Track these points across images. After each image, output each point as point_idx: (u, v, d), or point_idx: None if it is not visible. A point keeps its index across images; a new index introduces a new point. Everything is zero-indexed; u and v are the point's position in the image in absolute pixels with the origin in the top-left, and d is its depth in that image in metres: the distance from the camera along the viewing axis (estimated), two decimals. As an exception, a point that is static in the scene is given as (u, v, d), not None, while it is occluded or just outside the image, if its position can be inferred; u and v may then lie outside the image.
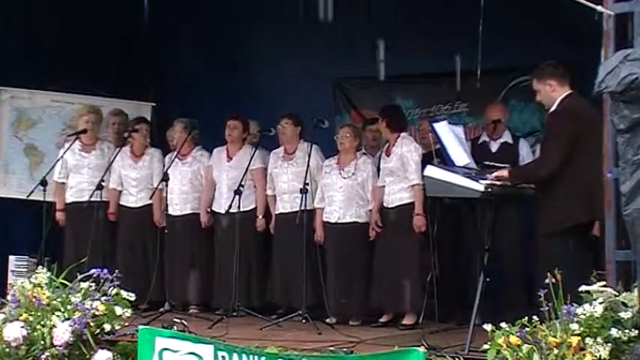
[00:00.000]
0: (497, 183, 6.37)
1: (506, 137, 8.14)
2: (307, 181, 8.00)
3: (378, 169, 8.23)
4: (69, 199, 9.09)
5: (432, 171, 6.43)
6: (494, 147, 8.07)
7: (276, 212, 8.55)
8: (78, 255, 8.47)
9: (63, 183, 9.10)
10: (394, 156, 8.00)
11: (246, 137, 8.88)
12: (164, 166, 8.90)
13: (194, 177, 8.94)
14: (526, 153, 8.09)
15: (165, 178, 8.44)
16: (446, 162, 6.59)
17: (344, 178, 8.23)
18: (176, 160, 8.80)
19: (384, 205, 8.06)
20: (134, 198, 9.09)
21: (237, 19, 10.41)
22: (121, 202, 9.12)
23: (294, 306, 8.08)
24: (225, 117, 8.87)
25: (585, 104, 6.33)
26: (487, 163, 6.98)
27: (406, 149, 7.95)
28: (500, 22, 8.27)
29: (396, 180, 7.98)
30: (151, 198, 8.84)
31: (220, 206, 8.68)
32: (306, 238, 7.98)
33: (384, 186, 8.09)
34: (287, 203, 8.46)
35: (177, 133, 8.95)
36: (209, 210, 8.84)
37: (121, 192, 9.12)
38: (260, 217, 8.63)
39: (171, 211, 8.77)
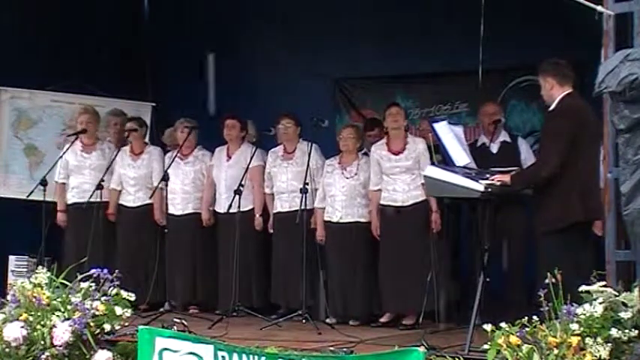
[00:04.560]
0: (497, 183, 6.37)
1: (504, 136, 8.12)
2: (307, 181, 7.99)
3: None
4: (71, 200, 9.06)
5: (432, 171, 6.43)
6: (494, 148, 8.03)
7: (275, 211, 8.53)
8: (78, 256, 8.46)
9: (64, 183, 9.08)
10: (411, 153, 7.94)
11: (245, 136, 8.87)
12: (164, 165, 8.88)
13: (196, 177, 8.91)
14: (526, 151, 8.06)
15: (165, 177, 8.42)
16: (445, 159, 6.59)
17: (346, 178, 8.21)
18: (178, 160, 8.79)
19: (393, 204, 7.96)
20: (132, 197, 9.05)
21: (237, 18, 10.41)
22: (120, 202, 9.08)
23: (293, 306, 8.07)
24: (223, 117, 8.87)
25: (584, 104, 6.32)
26: (493, 169, 6.94)
27: (422, 147, 7.89)
28: (500, 22, 8.27)
29: (410, 178, 7.93)
30: (150, 197, 8.81)
31: (220, 206, 8.67)
32: (305, 237, 7.97)
33: (379, 189, 8.03)
34: (286, 202, 8.44)
35: (179, 132, 8.91)
36: (210, 209, 8.82)
37: (120, 191, 9.09)
38: (258, 215, 8.60)
39: (173, 211, 8.74)
